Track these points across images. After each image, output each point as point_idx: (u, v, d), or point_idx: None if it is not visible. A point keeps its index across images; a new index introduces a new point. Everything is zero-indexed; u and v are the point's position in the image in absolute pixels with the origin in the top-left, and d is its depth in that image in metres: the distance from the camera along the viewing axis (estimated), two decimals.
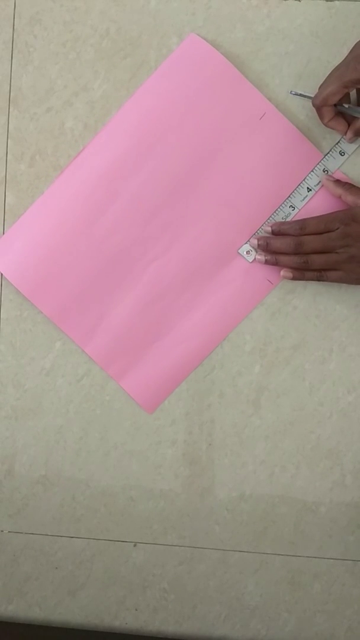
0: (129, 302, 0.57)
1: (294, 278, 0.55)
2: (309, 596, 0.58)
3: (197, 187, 0.56)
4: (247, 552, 0.58)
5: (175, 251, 0.57)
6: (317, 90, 0.53)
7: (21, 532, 0.59)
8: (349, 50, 0.51)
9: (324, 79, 0.52)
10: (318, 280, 0.55)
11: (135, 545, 0.59)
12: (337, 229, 0.53)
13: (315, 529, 0.57)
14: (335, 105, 0.53)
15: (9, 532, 0.59)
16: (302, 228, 0.54)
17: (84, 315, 0.57)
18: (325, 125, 0.54)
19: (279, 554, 0.58)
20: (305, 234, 0.54)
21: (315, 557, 0.57)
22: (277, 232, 0.55)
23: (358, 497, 0.57)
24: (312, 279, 0.55)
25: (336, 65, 0.52)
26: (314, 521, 0.57)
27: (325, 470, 0.57)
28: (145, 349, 0.58)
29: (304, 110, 0.56)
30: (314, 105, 0.53)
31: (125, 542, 0.59)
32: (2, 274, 0.58)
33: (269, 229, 0.56)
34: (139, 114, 0.56)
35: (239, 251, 0.57)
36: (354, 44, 0.51)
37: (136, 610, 0.59)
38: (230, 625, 0.58)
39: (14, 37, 0.57)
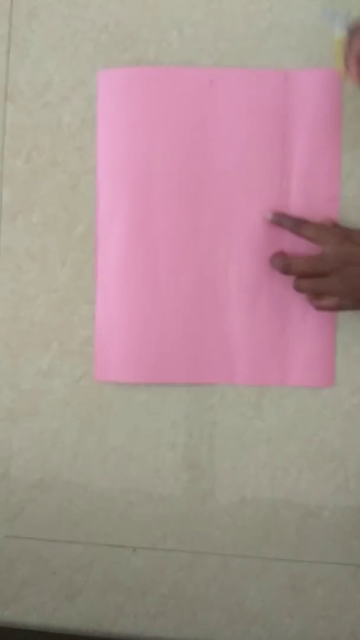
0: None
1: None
2: (311, 602, 0.57)
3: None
4: (248, 557, 0.57)
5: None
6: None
7: (18, 537, 0.59)
8: None
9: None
10: (314, 306, 0.54)
11: (134, 551, 0.58)
12: (328, 250, 0.51)
13: (319, 534, 0.57)
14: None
15: (5, 536, 0.59)
16: (297, 226, 0.53)
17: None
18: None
19: (281, 559, 0.57)
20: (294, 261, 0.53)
21: (318, 562, 0.57)
22: (276, 222, 0.55)
23: None
24: (310, 302, 0.54)
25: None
26: (317, 526, 0.57)
27: (328, 473, 0.57)
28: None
29: None
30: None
31: (124, 547, 0.58)
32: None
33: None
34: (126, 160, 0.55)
35: None
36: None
37: (135, 616, 0.58)
38: (232, 631, 0.58)
39: (11, 31, 0.57)
